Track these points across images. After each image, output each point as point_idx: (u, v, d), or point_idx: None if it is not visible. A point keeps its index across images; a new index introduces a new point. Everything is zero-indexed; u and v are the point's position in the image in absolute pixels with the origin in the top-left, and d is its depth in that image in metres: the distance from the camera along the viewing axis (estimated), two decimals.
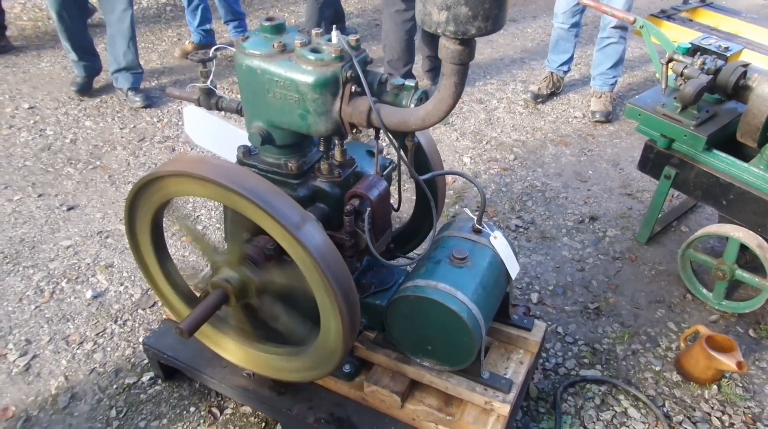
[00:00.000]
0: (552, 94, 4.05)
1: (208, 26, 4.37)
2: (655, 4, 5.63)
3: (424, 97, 1.46)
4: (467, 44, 1.19)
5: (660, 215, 2.77)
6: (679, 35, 3.58)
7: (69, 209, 2.99)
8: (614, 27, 3.57)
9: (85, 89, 3.94)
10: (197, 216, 2.96)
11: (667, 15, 3.76)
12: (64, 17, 3.59)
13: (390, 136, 1.46)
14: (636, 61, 4.65)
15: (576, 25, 3.78)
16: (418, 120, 1.36)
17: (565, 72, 4.01)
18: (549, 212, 3.02)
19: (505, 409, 1.66)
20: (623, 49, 3.71)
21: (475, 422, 1.67)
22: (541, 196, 3.14)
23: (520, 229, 2.90)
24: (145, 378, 2.17)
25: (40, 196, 3.07)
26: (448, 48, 1.20)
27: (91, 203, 3.04)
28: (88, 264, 2.67)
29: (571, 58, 3.96)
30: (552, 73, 4.00)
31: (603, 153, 3.51)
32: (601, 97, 3.83)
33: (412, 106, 1.44)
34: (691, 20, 3.77)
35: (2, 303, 2.46)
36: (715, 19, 3.81)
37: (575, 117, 3.87)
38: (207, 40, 4.37)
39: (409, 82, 1.45)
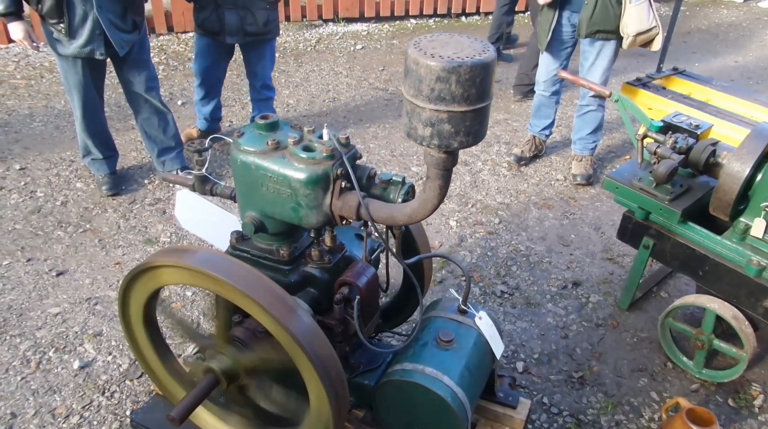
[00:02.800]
0: (535, 157, 4.18)
1: (218, 115, 4.26)
2: (632, 66, 5.88)
3: (411, 191, 1.54)
4: (451, 154, 1.27)
5: (640, 281, 2.84)
6: (654, 103, 3.75)
7: (58, 274, 3.00)
8: (593, 96, 3.73)
9: (119, 184, 3.69)
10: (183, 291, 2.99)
11: (642, 83, 3.94)
12: (89, 110, 3.36)
13: (378, 230, 1.53)
14: (614, 124, 4.82)
15: (556, 92, 3.94)
16: (405, 217, 1.44)
17: (547, 136, 4.16)
18: (533, 277, 3.09)
19: None
20: (602, 116, 3.86)
21: None
22: (526, 260, 3.21)
23: (506, 295, 2.96)
24: None
25: (29, 260, 3.09)
26: (432, 156, 1.28)
27: (80, 268, 3.06)
28: (76, 332, 2.67)
29: (553, 123, 4.11)
30: (534, 136, 4.14)
31: (585, 216, 3.62)
32: (581, 160, 3.96)
33: (399, 200, 1.51)
34: (665, 88, 3.95)
35: None
36: (688, 87, 3.99)
37: (557, 179, 3.99)
38: (212, 127, 4.23)
39: (396, 177, 1.53)
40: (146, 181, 3.79)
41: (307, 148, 1.49)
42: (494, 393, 1.94)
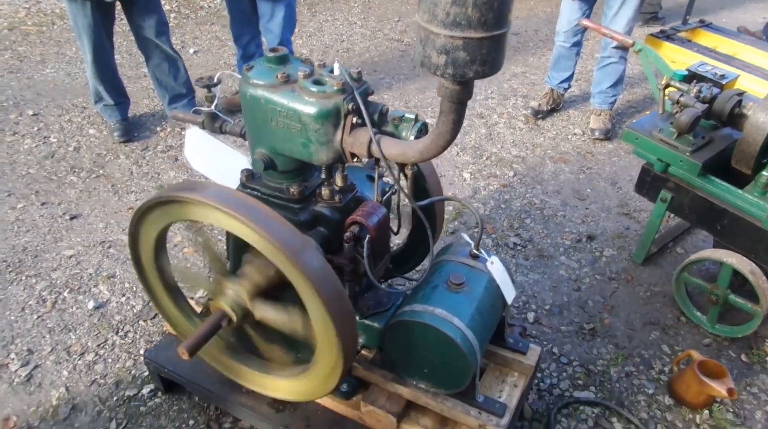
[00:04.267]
0: (552, 111, 4.09)
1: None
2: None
3: (424, 129, 1.50)
4: (465, 85, 1.22)
5: (656, 236, 2.80)
6: (678, 56, 3.62)
7: (72, 218, 3.02)
8: (615, 47, 3.61)
9: (131, 131, 3.67)
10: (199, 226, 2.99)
11: (666, 35, 3.80)
12: (99, 54, 3.32)
13: (390, 166, 1.49)
14: (636, 79, 4.68)
15: (577, 44, 3.82)
16: (417, 153, 1.40)
17: (566, 89, 4.05)
18: (547, 230, 3.05)
19: None
20: (623, 69, 3.75)
21: None
22: (540, 213, 3.17)
23: (518, 247, 2.94)
24: (146, 390, 2.20)
25: (43, 204, 3.11)
26: (446, 88, 1.23)
27: (93, 212, 3.07)
28: (90, 274, 2.70)
29: (572, 76, 4.00)
30: (552, 89, 4.04)
31: (601, 171, 3.55)
32: (600, 114, 3.87)
33: (412, 137, 1.47)
34: (689, 41, 3.81)
35: (5, 312, 2.49)
36: (714, 40, 3.85)
37: (575, 134, 3.91)
38: None
39: (409, 114, 1.49)
40: (158, 129, 3.77)
41: (318, 82, 1.45)
42: (504, 339, 1.93)
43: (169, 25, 3.62)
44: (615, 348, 2.44)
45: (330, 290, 1.42)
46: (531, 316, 2.56)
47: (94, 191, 3.22)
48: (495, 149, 3.71)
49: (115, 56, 3.56)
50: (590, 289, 2.72)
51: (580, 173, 3.52)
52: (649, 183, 2.64)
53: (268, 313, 1.57)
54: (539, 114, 4.01)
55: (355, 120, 1.45)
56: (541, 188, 3.37)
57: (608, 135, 3.82)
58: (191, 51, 4.82)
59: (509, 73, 4.69)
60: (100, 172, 3.37)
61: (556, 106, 4.08)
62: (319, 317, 1.46)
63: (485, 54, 1.13)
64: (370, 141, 1.44)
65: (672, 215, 3.08)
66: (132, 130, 3.70)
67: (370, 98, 1.52)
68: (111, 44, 3.45)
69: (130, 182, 3.31)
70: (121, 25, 4.87)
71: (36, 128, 3.72)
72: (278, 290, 1.66)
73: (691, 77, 2.48)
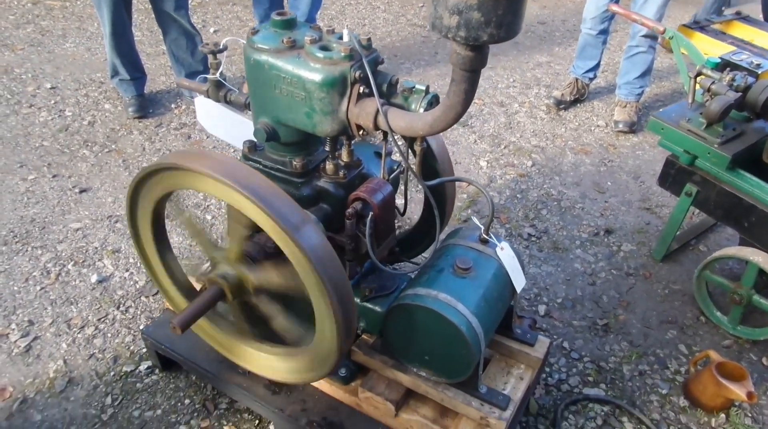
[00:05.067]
0: (575, 101, 3.96)
1: None
2: (689, 14, 5.49)
3: (435, 101, 1.42)
4: (479, 51, 1.14)
5: (678, 233, 2.69)
6: (711, 48, 3.47)
7: (81, 192, 2.99)
8: (644, 36, 3.48)
9: (146, 107, 3.62)
10: (207, 205, 2.95)
11: (699, 26, 3.65)
12: (117, 27, 3.27)
13: (395, 140, 1.42)
14: (664, 72, 4.53)
15: (604, 31, 3.69)
16: (426, 125, 1.32)
17: (591, 79, 3.92)
18: (563, 222, 2.95)
19: (500, 426, 1.61)
20: (652, 59, 3.61)
21: None
22: (557, 205, 3.07)
23: (533, 238, 2.84)
24: (143, 367, 2.16)
25: (54, 176, 3.08)
26: (458, 54, 1.15)
27: (103, 187, 3.04)
28: (96, 248, 2.67)
29: (598, 65, 3.87)
30: (577, 79, 3.91)
31: (624, 164, 3.42)
32: (626, 106, 3.73)
33: (422, 110, 1.39)
34: (724, 33, 3.66)
35: (9, 282, 2.47)
36: (750, 33, 3.69)
37: (598, 126, 3.78)
38: None
39: (420, 85, 1.41)
40: (173, 106, 3.73)
41: (325, 48, 1.37)
42: (511, 329, 1.85)
43: (191, 3, 3.57)
44: (629, 345, 2.35)
45: (329, 268, 1.35)
46: (542, 308, 2.47)
47: (106, 166, 3.19)
48: (514, 138, 3.60)
49: (135, 33, 3.53)
50: (606, 284, 2.62)
51: (601, 166, 3.41)
52: (673, 176, 2.52)
53: (258, 274, 1.50)
54: (562, 104, 3.89)
55: (362, 89, 1.38)
56: (560, 179, 3.26)
57: (633, 128, 3.69)
58: (211, 30, 4.76)
59: (533, 62, 4.57)
60: (113, 146, 3.34)
61: (580, 97, 3.95)
62: (318, 297, 1.39)
63: (501, 15, 1.04)
64: (377, 112, 1.36)
65: (696, 211, 2.97)
66: (147, 106, 3.66)
67: (380, 68, 1.44)
68: (130, 18, 3.41)
69: (142, 158, 3.27)
70: (142, 2, 4.85)
71: (53, 101, 3.70)
72: (267, 258, 1.59)
73: (725, 65, 2.36)
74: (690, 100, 2.46)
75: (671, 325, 2.44)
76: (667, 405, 2.13)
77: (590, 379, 2.20)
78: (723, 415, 2.09)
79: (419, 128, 1.33)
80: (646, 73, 3.66)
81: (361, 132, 1.45)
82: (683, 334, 2.41)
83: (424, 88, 1.40)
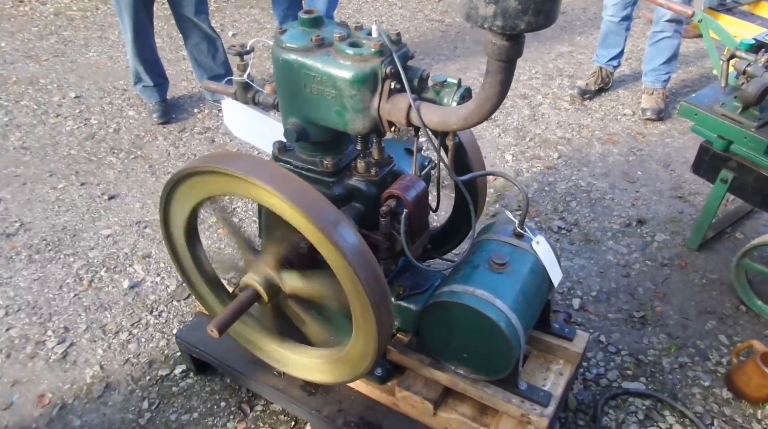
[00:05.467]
0: (600, 90, 3.89)
1: None
2: None
3: (468, 95, 1.39)
4: (515, 40, 1.11)
5: (713, 221, 2.62)
6: (740, 29, 3.39)
7: (110, 198, 3.02)
8: (668, 20, 3.40)
9: (170, 112, 3.64)
10: (234, 208, 2.96)
11: (726, 8, 3.57)
12: (139, 34, 3.28)
13: (430, 135, 1.39)
14: (691, 56, 4.43)
15: (627, 18, 3.62)
16: (460, 119, 1.29)
17: (615, 67, 3.85)
18: (594, 214, 2.90)
19: (542, 423, 1.58)
20: (678, 44, 3.53)
21: None
22: (586, 196, 3.02)
23: (563, 231, 2.79)
24: (178, 370, 2.17)
25: (82, 184, 3.12)
26: (494, 44, 1.12)
27: (131, 193, 3.07)
28: (126, 253, 2.69)
29: (622, 53, 3.79)
30: (601, 68, 3.84)
31: (653, 153, 3.36)
32: (652, 94, 3.66)
33: (454, 104, 1.37)
34: (752, 14, 3.57)
35: (43, 290, 2.50)
36: None
37: (624, 114, 3.71)
38: None
39: (452, 79, 1.38)
40: (196, 111, 3.75)
41: (354, 44, 1.35)
42: (549, 324, 1.81)
43: (209, 8, 3.59)
44: (667, 337, 2.29)
45: (366, 268, 1.33)
46: (576, 302, 2.43)
47: (132, 172, 3.22)
48: (539, 130, 3.55)
49: (156, 39, 3.55)
50: (640, 276, 2.56)
51: (629, 155, 3.34)
52: (707, 162, 2.46)
53: (295, 282, 1.50)
54: (587, 94, 3.83)
55: (393, 85, 1.36)
56: (588, 170, 3.21)
57: (661, 115, 3.61)
58: (230, 34, 4.78)
59: (555, 52, 4.50)
60: (139, 153, 3.37)
61: (604, 86, 3.89)
62: (355, 296, 1.37)
63: (539, 2, 1.01)
64: (409, 107, 1.34)
65: (730, 199, 2.90)
66: (170, 111, 3.68)
67: (410, 63, 1.42)
68: (151, 23, 3.43)
69: (167, 163, 3.29)
70: (162, 9, 4.88)
71: (78, 110, 3.75)
72: (306, 264, 1.59)
73: (759, 47, 2.29)
74: (723, 84, 2.40)
75: (710, 315, 2.39)
76: (710, 397, 2.08)
77: (629, 372, 2.16)
78: None
79: (453, 122, 1.31)
80: (672, 58, 3.58)
81: (393, 128, 1.43)
82: (723, 324, 2.35)
83: (456, 81, 1.38)
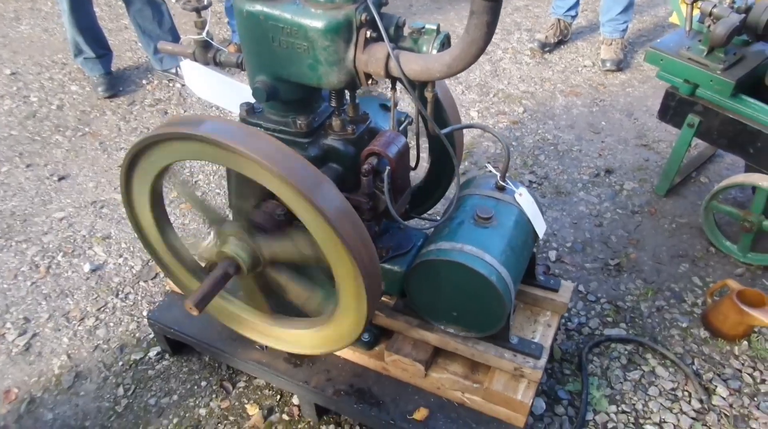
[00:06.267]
0: (559, 43, 3.87)
1: None
2: None
3: (447, 42, 1.32)
4: None
5: (680, 166, 2.65)
6: None
7: (60, 179, 2.84)
8: None
9: (116, 85, 3.45)
10: (195, 181, 2.82)
11: None
12: (76, 2, 3.07)
13: (409, 86, 1.32)
14: (644, 5, 4.44)
15: None
16: (444, 67, 1.22)
17: (573, 17, 3.82)
18: (563, 166, 2.89)
19: (536, 375, 1.57)
20: None
21: (505, 389, 1.58)
22: (554, 149, 3.01)
23: (534, 185, 2.78)
24: (152, 353, 2.08)
25: (28, 166, 2.92)
26: None
27: (82, 172, 2.89)
28: (84, 236, 2.54)
29: (578, 2, 3.76)
30: (559, 20, 3.81)
31: (615, 103, 3.37)
32: (611, 44, 3.65)
33: (434, 51, 1.29)
34: None
35: None
36: None
37: (584, 66, 3.70)
38: None
39: (430, 25, 1.31)
40: (144, 82, 3.55)
41: None
42: (534, 276, 1.80)
43: None
44: (643, 283, 2.32)
45: (352, 230, 1.27)
46: (553, 254, 2.43)
47: (82, 150, 3.03)
48: (502, 86, 3.51)
49: (94, 8, 3.31)
50: (612, 224, 2.58)
51: (593, 106, 3.34)
52: (674, 108, 2.47)
53: (275, 245, 1.42)
54: (546, 47, 3.80)
55: (369, 34, 1.27)
56: (554, 123, 3.20)
57: (620, 66, 3.62)
58: None
59: (511, 6, 4.44)
60: (86, 129, 3.17)
61: (563, 38, 3.86)
62: (340, 263, 1.31)
63: None
64: (388, 57, 1.26)
65: (694, 144, 2.93)
66: (117, 84, 3.48)
67: (384, 10, 1.33)
68: None
69: (119, 139, 3.11)
70: None
71: (15, 88, 3.50)
72: (284, 229, 1.51)
73: None
74: (687, 28, 2.39)
75: (682, 258, 2.43)
76: (689, 338, 2.12)
77: (609, 319, 2.18)
78: (745, 343, 2.09)
79: (436, 70, 1.24)
80: (628, 7, 3.57)
81: (369, 82, 1.35)
82: (695, 266, 2.39)
83: (435, 27, 1.30)
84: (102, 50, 3.37)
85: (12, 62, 3.73)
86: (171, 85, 3.51)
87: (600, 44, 3.75)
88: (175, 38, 3.42)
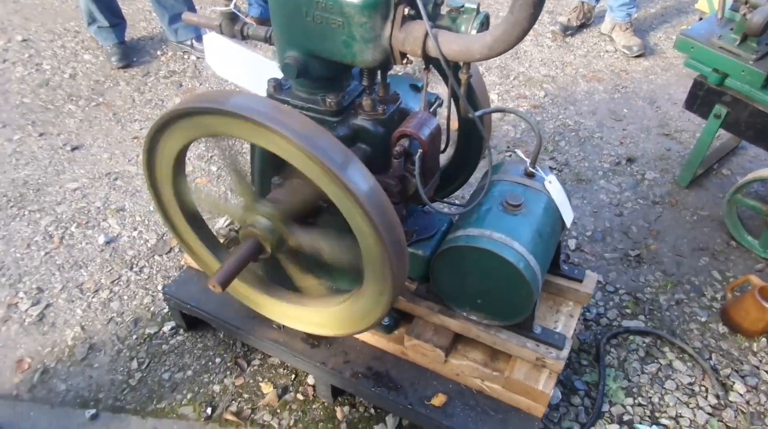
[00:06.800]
0: (582, 26, 3.79)
1: None
2: None
3: (486, 22, 1.27)
4: None
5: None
6: None
7: (73, 149, 2.81)
8: None
9: (130, 55, 3.38)
10: (211, 155, 2.79)
11: None
12: None
13: (447, 68, 1.27)
14: None
15: None
16: (485, 48, 1.18)
17: (597, 0, 3.74)
18: (584, 153, 2.85)
19: (558, 366, 1.55)
20: None
21: (526, 379, 1.57)
22: (575, 135, 2.96)
23: (554, 171, 2.74)
24: (167, 328, 2.07)
25: (41, 135, 2.89)
26: None
27: (96, 143, 2.86)
28: (98, 207, 2.52)
29: None
30: (582, 2, 3.72)
31: (638, 90, 3.30)
32: (626, 29, 3.57)
33: (474, 32, 1.25)
34: None
35: (9, 249, 2.32)
36: None
37: (607, 51, 3.63)
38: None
39: (470, 4, 1.26)
40: (159, 53, 3.49)
41: None
42: (558, 266, 1.77)
43: None
44: (663, 275, 2.29)
45: (382, 212, 1.24)
46: (572, 243, 2.40)
47: (95, 120, 2.99)
48: (522, 69, 3.44)
49: None
50: (633, 214, 2.55)
51: (615, 92, 3.28)
52: (701, 98, 2.41)
53: (305, 240, 1.40)
54: (568, 30, 3.72)
55: (407, 11, 1.22)
56: (575, 109, 3.14)
57: (645, 51, 3.53)
58: None
59: None
60: (100, 99, 3.13)
61: (586, 21, 3.78)
62: (370, 243, 1.28)
63: None
64: (426, 36, 1.21)
65: (717, 135, 2.88)
66: (131, 54, 3.42)
67: None
68: None
69: (133, 110, 3.07)
70: None
71: (27, 55, 3.44)
72: (314, 215, 1.49)
73: None
74: (719, 15, 2.33)
75: (703, 251, 2.39)
76: (707, 332, 2.10)
77: (628, 311, 2.15)
78: (764, 339, 2.07)
79: (476, 51, 1.19)
80: None
81: (404, 61, 1.31)
82: (715, 260, 2.36)
83: (474, 6, 1.25)
84: (116, 19, 3.31)
85: (24, 29, 3.67)
86: (186, 57, 3.45)
87: (615, 30, 3.64)
88: (191, 8, 3.35)
